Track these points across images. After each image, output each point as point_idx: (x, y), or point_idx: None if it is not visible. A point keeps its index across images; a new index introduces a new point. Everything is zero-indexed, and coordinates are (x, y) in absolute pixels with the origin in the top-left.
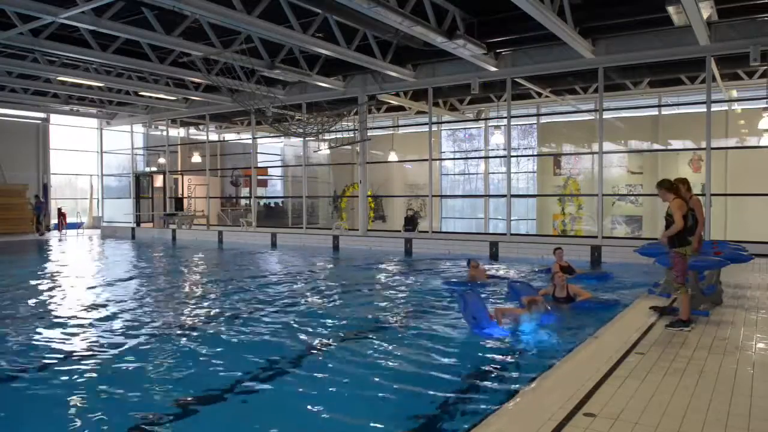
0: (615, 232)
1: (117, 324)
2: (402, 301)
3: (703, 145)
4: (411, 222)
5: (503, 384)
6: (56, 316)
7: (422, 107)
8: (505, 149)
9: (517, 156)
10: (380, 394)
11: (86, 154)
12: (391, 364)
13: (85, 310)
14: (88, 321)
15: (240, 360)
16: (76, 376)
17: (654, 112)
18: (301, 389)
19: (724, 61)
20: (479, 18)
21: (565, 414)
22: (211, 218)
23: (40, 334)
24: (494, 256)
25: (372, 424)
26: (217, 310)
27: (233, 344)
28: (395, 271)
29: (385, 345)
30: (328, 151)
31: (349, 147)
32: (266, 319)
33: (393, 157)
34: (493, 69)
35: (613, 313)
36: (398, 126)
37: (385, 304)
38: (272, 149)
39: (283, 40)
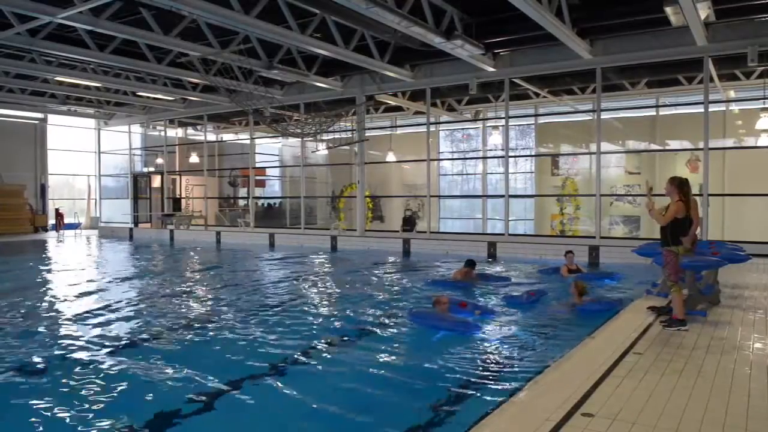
0: (613, 232)
1: (116, 324)
2: (400, 301)
3: (701, 145)
4: (409, 222)
5: (501, 384)
6: (54, 316)
7: (420, 107)
8: (503, 149)
9: (515, 156)
10: (378, 395)
11: (84, 154)
12: (388, 364)
13: (83, 309)
14: (87, 321)
15: (238, 359)
16: (77, 376)
17: (652, 112)
18: (298, 389)
19: (722, 62)
20: (477, 18)
21: (563, 414)
22: (209, 219)
23: (36, 333)
24: (492, 257)
25: (370, 425)
26: (214, 310)
27: (230, 344)
28: (392, 271)
29: (383, 345)
30: (326, 152)
31: (347, 147)
32: (264, 319)
33: (391, 157)
34: (491, 69)
35: (611, 313)
36: (396, 126)
37: (382, 304)
38: (270, 149)
39: (281, 41)
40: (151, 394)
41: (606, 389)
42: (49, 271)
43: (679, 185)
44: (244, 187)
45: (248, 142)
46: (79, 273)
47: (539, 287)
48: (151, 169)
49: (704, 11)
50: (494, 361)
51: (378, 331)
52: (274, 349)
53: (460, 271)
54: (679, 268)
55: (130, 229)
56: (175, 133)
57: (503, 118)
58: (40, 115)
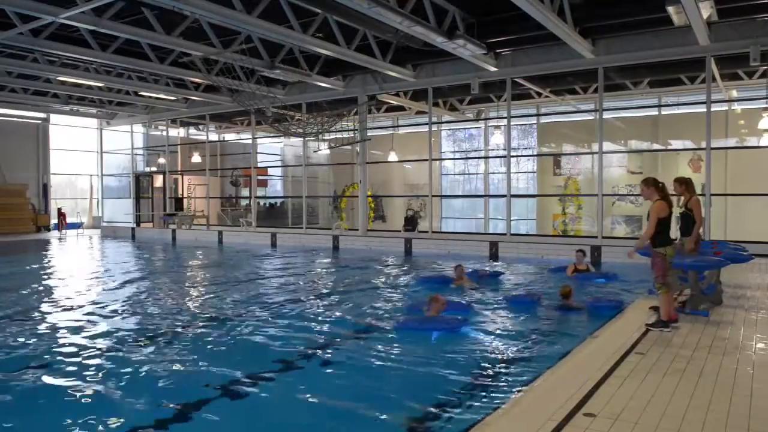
0: (615, 232)
1: (117, 324)
2: (400, 301)
3: (703, 145)
4: (411, 222)
5: (503, 384)
6: (55, 316)
7: (422, 107)
8: (504, 149)
9: (517, 156)
10: (379, 395)
11: (86, 154)
12: (389, 364)
13: (85, 310)
14: (89, 320)
15: (238, 360)
16: (78, 375)
17: (654, 112)
18: (297, 389)
19: (724, 61)
20: (479, 18)
21: (565, 414)
22: (211, 218)
23: (36, 332)
24: (494, 256)
25: (371, 425)
26: (216, 310)
27: (231, 344)
28: (394, 271)
29: (383, 345)
30: (328, 151)
31: (349, 147)
32: (265, 319)
33: (393, 157)
34: (493, 69)
35: (613, 313)
36: (398, 126)
37: (383, 304)
38: (272, 149)
39: (283, 40)
40: (148, 394)
41: (608, 389)
42: (51, 270)
43: (655, 184)
44: (246, 186)
45: (250, 141)
46: (80, 272)
47: (537, 288)
48: (154, 168)
49: (706, 11)
50: (496, 361)
51: (376, 331)
52: (271, 348)
53: (456, 277)
54: (666, 270)
55: (132, 228)
56: (177, 132)
57: (505, 117)
58: (42, 115)
